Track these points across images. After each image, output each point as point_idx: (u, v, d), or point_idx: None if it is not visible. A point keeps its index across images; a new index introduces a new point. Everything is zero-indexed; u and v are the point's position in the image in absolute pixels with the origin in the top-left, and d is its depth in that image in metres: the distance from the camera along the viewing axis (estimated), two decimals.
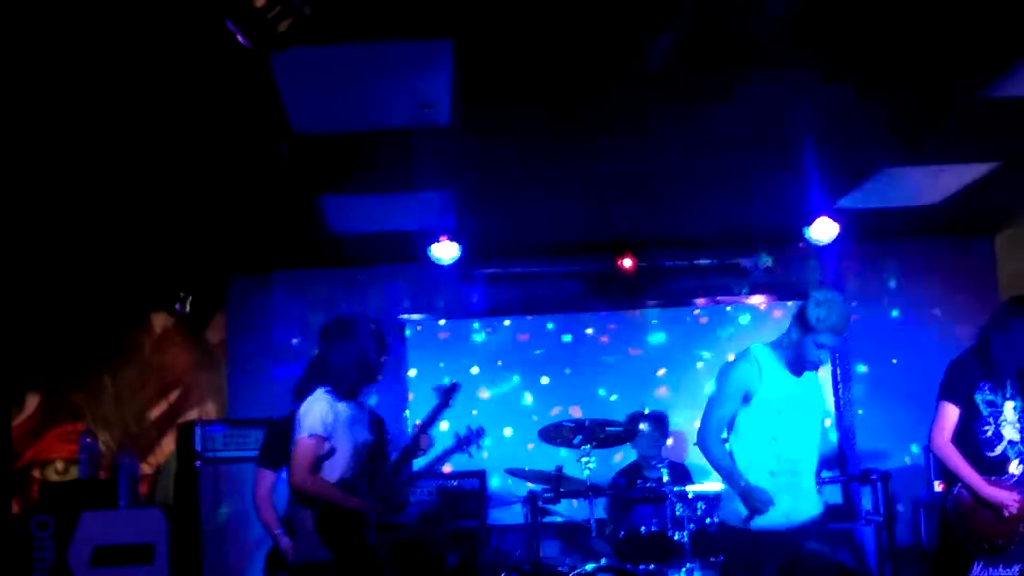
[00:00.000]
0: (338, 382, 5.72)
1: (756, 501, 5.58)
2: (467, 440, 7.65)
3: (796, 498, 5.73)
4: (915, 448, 9.95)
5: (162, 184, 7.74)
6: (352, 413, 5.72)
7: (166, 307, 9.93)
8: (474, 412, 9.65)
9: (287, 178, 7.79)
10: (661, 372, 10.45)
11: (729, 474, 5.76)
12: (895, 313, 10.55)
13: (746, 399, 5.75)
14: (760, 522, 5.66)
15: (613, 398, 10.32)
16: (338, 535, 5.56)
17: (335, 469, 5.64)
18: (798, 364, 5.74)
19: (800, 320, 5.69)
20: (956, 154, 8.18)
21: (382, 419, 6.74)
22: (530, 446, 9.26)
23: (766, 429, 5.73)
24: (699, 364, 10.40)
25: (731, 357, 6.26)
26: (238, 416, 9.86)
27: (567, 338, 10.58)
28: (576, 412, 10.04)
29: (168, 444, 9.80)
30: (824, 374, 10.07)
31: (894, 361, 10.38)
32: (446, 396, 6.46)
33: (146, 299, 10.01)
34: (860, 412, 10.29)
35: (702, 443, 5.86)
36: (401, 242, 9.53)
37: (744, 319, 10.57)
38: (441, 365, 10.27)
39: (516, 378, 10.39)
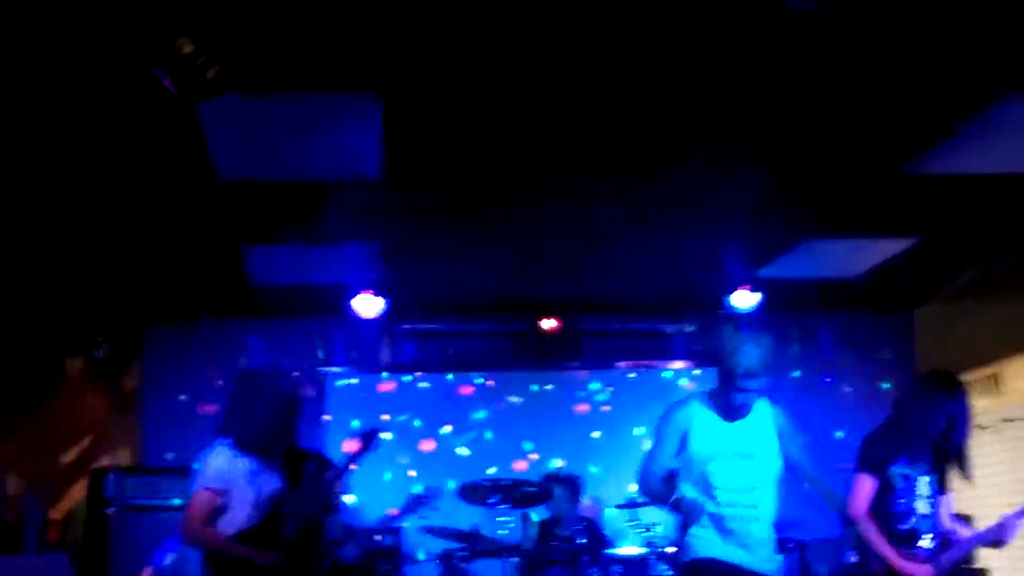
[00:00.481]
0: (240, 436, 5.66)
1: (687, 510, 5.56)
2: (419, 501, 7.51)
3: (744, 548, 5.59)
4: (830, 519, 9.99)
5: (81, 228, 7.67)
6: (253, 467, 5.65)
7: (81, 352, 9.81)
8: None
9: (210, 226, 7.76)
10: (595, 434, 10.55)
11: (665, 499, 5.77)
12: (812, 381, 10.62)
13: (682, 445, 5.73)
14: (701, 551, 5.61)
15: (534, 456, 10.33)
16: None
17: (233, 521, 5.59)
18: (727, 410, 5.70)
19: (719, 365, 5.70)
20: (876, 228, 8.29)
21: (321, 459, 6.54)
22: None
23: (702, 477, 5.69)
24: (635, 430, 10.43)
25: None
26: (151, 464, 9.74)
27: (489, 391, 10.59)
28: (493, 471, 10.02)
29: (79, 490, 9.64)
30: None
31: (802, 434, 10.43)
32: (365, 442, 6.34)
33: (61, 343, 9.88)
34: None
35: (641, 484, 5.84)
36: (324, 295, 9.49)
37: (682, 380, 10.66)
38: (355, 423, 10.20)
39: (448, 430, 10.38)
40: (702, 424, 5.69)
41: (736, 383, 5.55)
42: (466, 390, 10.60)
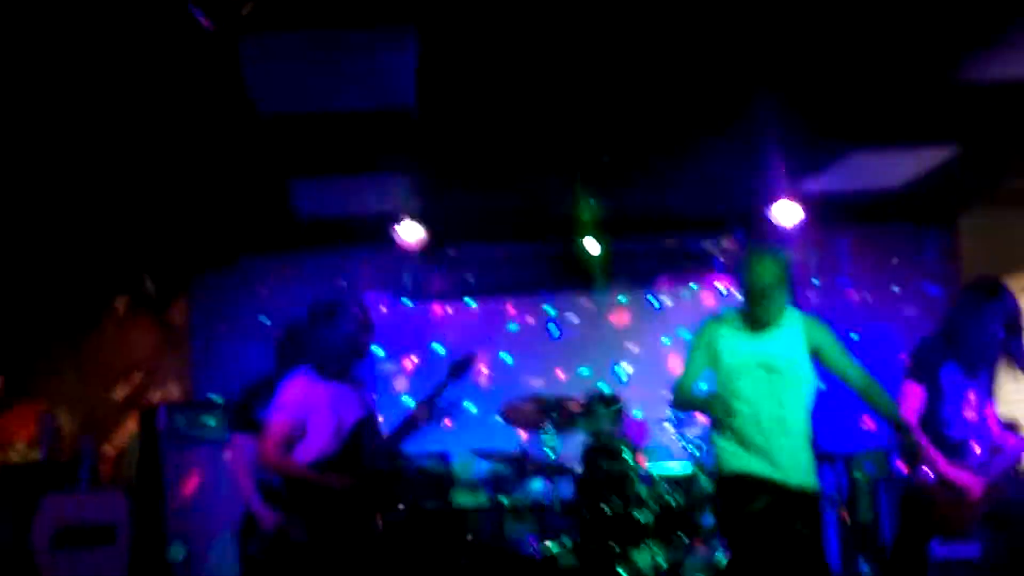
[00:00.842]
0: (323, 362, 5.77)
1: (718, 408, 5.65)
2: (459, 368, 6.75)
3: (770, 461, 5.62)
4: (876, 428, 10.02)
5: (128, 167, 7.71)
6: (336, 392, 5.76)
7: (130, 289, 9.89)
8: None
9: (251, 161, 7.78)
10: (632, 347, 10.50)
11: (697, 404, 5.91)
12: (855, 295, 10.60)
13: (712, 359, 5.79)
14: (727, 465, 5.71)
15: (579, 375, 10.36)
16: (308, 511, 5.62)
17: (312, 448, 5.68)
18: (754, 323, 5.73)
19: (740, 281, 5.78)
20: (919, 137, 8.22)
21: (371, 396, 6.64)
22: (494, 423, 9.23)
23: (729, 391, 5.70)
24: (664, 344, 10.46)
25: None
26: (202, 398, 9.84)
27: (530, 319, 10.59)
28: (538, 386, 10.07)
29: (131, 426, 9.76)
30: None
31: (854, 338, 10.44)
32: (456, 370, 6.32)
33: (110, 281, 9.97)
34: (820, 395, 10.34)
35: (675, 398, 5.94)
36: (366, 224, 9.49)
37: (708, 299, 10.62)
38: (406, 345, 10.30)
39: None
40: (729, 337, 5.76)
41: (755, 298, 5.58)
42: (507, 314, 10.61)
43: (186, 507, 9.13)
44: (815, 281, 10.61)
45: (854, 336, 10.31)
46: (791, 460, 5.66)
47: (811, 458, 5.77)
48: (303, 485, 5.70)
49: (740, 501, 5.66)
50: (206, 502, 9.06)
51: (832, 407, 10.14)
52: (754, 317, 5.69)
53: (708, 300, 10.60)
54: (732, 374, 5.70)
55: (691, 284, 10.62)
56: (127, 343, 10.10)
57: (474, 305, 10.58)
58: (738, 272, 5.87)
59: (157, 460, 9.06)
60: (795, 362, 5.75)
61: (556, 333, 10.57)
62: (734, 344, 5.73)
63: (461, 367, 6.28)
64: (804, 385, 5.78)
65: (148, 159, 7.60)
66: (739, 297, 5.80)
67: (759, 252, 5.73)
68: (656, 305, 10.67)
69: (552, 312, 10.62)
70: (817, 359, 5.81)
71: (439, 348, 10.37)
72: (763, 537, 5.60)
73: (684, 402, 5.92)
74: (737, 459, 5.67)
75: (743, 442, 5.65)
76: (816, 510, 5.84)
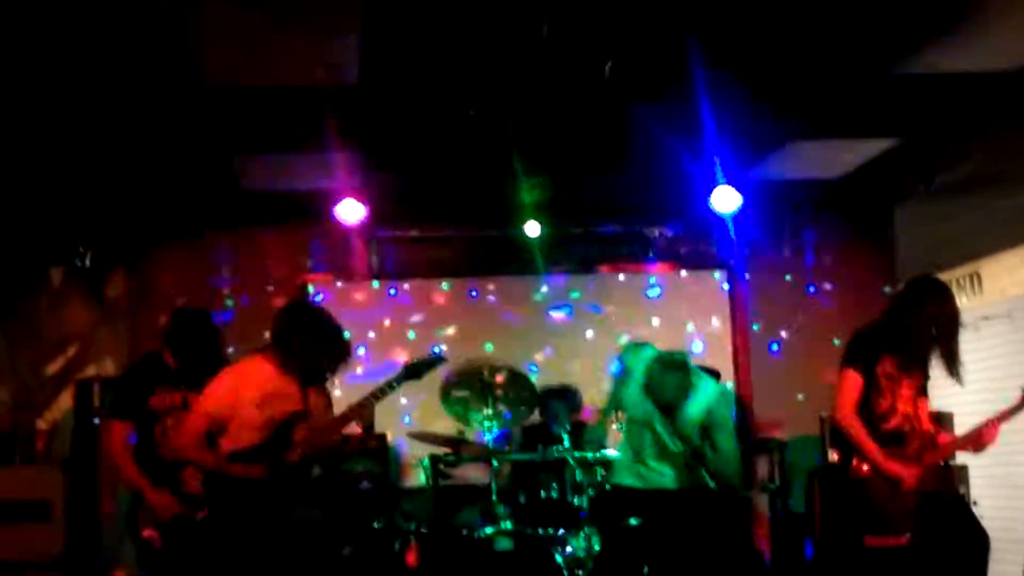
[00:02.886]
0: (282, 360, 5.75)
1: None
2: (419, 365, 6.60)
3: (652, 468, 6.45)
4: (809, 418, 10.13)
5: (67, 137, 7.63)
6: (272, 389, 5.74)
7: (66, 261, 9.77)
8: (358, 371, 9.58)
9: (194, 134, 7.73)
10: (577, 339, 10.55)
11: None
12: (792, 282, 10.69)
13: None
14: (616, 480, 6.69)
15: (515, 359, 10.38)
16: (220, 499, 5.61)
17: (237, 439, 5.67)
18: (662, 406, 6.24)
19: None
20: (859, 129, 8.32)
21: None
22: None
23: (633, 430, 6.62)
24: (590, 332, 10.54)
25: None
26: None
27: (471, 298, 10.61)
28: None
29: (65, 400, 9.67)
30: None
31: (781, 338, 10.57)
32: (418, 368, 6.28)
33: (45, 252, 9.84)
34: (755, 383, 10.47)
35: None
36: (306, 202, 9.45)
37: (653, 292, 10.67)
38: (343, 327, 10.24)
39: (412, 335, 10.38)
40: (637, 387, 6.51)
41: (661, 407, 6.46)
42: (449, 296, 10.60)
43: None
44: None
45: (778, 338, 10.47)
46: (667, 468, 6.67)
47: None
48: (217, 477, 5.69)
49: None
50: None
51: (766, 396, 10.30)
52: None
53: (647, 288, 10.64)
54: (636, 421, 6.63)
55: (636, 269, 10.63)
56: (62, 316, 9.99)
57: (409, 291, 10.57)
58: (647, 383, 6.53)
59: (92, 435, 8.97)
60: (693, 429, 6.58)
61: (498, 316, 10.58)
62: (642, 400, 6.47)
63: (422, 367, 6.27)
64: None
65: (88, 129, 7.53)
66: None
67: (664, 365, 6.47)
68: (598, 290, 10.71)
69: (493, 296, 10.61)
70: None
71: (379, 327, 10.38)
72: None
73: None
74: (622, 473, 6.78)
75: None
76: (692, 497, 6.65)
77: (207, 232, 10.25)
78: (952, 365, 6.16)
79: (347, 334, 6.08)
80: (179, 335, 6.50)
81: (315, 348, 5.81)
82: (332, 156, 8.40)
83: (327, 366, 5.89)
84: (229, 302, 10.12)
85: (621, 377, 6.88)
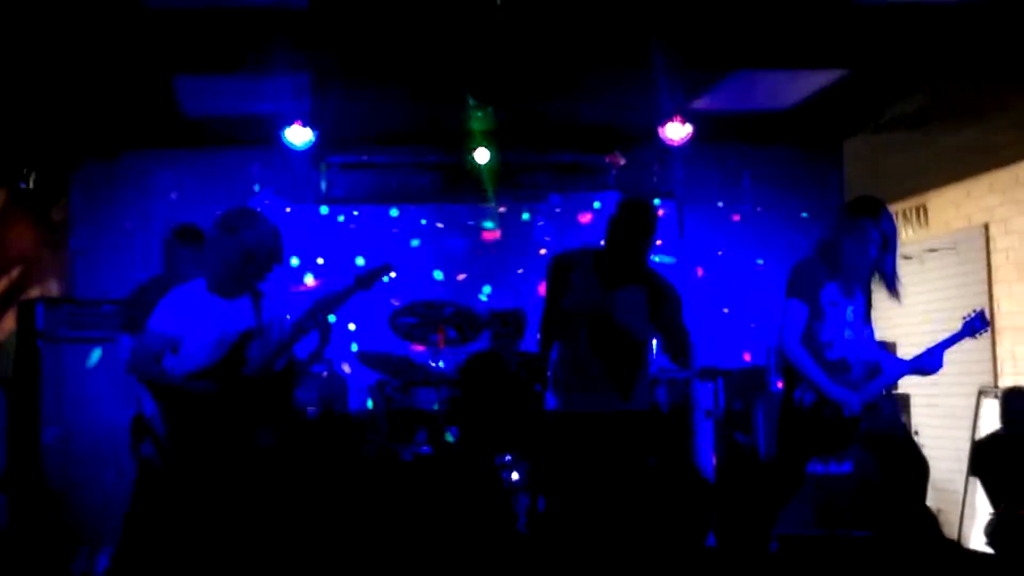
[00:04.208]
0: (213, 276, 5.70)
1: None
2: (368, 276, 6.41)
3: (593, 390, 6.05)
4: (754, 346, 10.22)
5: (7, 59, 7.51)
6: (224, 306, 5.70)
7: (7, 183, 9.65)
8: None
9: (138, 55, 7.63)
10: (519, 270, 10.56)
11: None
12: (741, 215, 10.74)
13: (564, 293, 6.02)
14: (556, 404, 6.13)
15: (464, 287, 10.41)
16: (178, 420, 5.60)
17: (188, 361, 5.64)
18: (609, 277, 5.95)
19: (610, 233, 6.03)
20: (808, 59, 8.31)
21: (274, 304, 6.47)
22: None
23: (573, 331, 6.03)
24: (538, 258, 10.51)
25: None
26: (81, 296, 9.69)
27: (420, 225, 10.62)
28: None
29: (8, 322, 9.58)
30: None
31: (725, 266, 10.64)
32: (367, 279, 6.21)
33: None
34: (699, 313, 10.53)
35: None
36: (254, 125, 9.38)
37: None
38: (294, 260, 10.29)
39: (361, 262, 10.36)
40: (581, 281, 5.96)
41: (622, 253, 5.71)
42: (398, 222, 10.58)
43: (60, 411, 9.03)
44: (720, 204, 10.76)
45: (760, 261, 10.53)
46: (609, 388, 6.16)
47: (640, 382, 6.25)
48: (171, 394, 5.66)
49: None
50: (84, 400, 8.96)
51: (710, 325, 10.36)
52: (612, 270, 5.92)
53: (601, 213, 10.65)
54: (577, 318, 6.00)
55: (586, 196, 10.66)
56: (5, 239, 9.87)
57: (358, 216, 10.54)
58: (614, 222, 6.04)
59: (35, 358, 8.91)
60: (638, 319, 6.05)
61: (446, 242, 10.58)
62: (585, 291, 5.98)
63: (371, 277, 6.21)
64: (643, 337, 6.17)
65: (27, 49, 7.41)
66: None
67: (641, 204, 6.00)
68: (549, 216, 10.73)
69: (444, 221, 10.61)
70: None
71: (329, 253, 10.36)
72: None
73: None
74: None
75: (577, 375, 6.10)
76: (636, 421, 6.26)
77: (153, 155, 10.15)
78: (891, 283, 6.17)
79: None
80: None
81: (235, 251, 5.73)
82: (279, 78, 8.32)
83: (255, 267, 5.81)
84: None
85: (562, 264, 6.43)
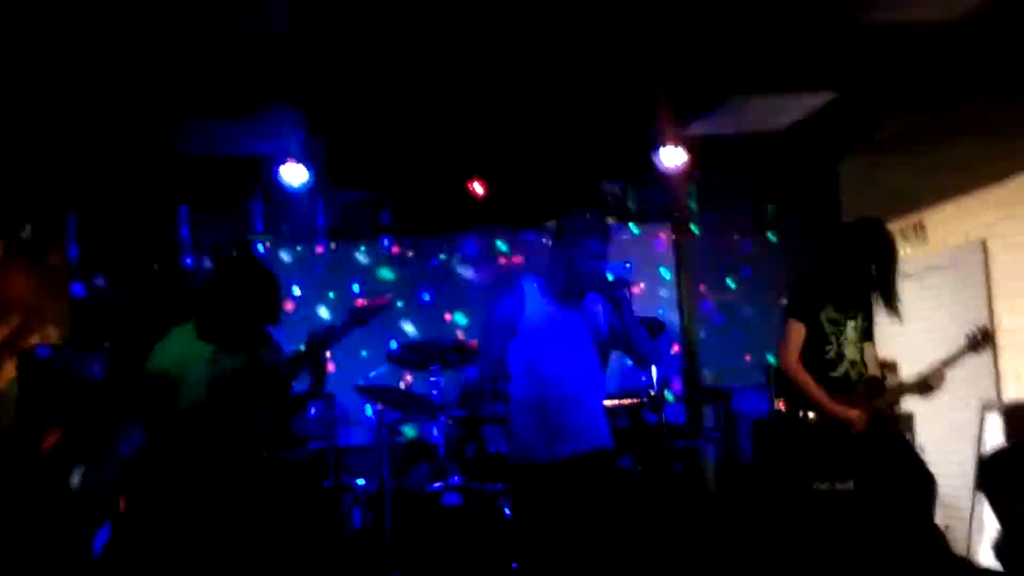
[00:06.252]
0: (204, 323, 5.71)
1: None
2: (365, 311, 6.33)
3: (559, 433, 5.33)
4: (756, 367, 10.18)
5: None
6: (209, 351, 5.69)
7: (7, 234, 9.68)
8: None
9: (133, 100, 7.67)
10: None
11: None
12: (737, 237, 10.74)
13: (512, 331, 5.42)
14: (519, 455, 5.47)
15: (463, 320, 10.37)
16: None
17: (184, 399, 5.65)
18: (562, 295, 5.41)
19: (560, 249, 5.42)
20: (801, 82, 8.33)
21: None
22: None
23: (530, 365, 5.41)
24: None
25: None
26: (80, 343, 9.70)
27: (419, 261, 10.60)
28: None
29: (9, 370, 9.58)
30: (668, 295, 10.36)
31: (728, 290, 10.62)
32: (364, 314, 6.17)
33: None
34: (703, 334, 10.52)
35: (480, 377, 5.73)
36: (249, 166, 9.41)
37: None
38: (294, 288, 10.25)
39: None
40: (533, 308, 5.42)
41: (576, 270, 5.33)
42: (395, 255, 10.58)
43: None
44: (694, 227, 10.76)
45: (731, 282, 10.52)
46: (579, 429, 5.41)
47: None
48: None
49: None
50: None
51: (713, 346, 10.36)
52: (566, 289, 5.41)
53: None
54: (535, 349, 5.40)
55: None
56: (3, 287, 9.89)
57: (357, 251, 10.55)
58: (566, 241, 5.38)
59: (37, 404, 8.90)
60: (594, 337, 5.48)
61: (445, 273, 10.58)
62: (539, 316, 5.40)
63: (367, 313, 6.18)
64: (595, 355, 5.49)
65: (23, 103, 7.46)
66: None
67: (596, 221, 5.43)
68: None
69: (443, 255, 10.61)
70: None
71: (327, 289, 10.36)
72: None
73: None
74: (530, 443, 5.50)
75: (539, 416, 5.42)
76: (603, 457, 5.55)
77: (150, 198, 10.17)
78: (890, 301, 6.18)
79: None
80: None
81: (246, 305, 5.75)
82: (272, 117, 8.35)
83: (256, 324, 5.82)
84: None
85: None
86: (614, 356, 5.56)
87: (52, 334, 9.91)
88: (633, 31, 6.98)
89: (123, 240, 10.21)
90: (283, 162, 9.21)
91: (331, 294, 10.38)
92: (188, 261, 10.23)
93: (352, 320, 6.05)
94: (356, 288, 10.40)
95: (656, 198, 10.59)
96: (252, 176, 9.62)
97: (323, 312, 10.24)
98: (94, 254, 10.20)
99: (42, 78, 7.11)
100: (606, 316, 5.45)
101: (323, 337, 5.95)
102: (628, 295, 5.31)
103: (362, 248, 10.56)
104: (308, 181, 9.36)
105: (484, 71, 7.75)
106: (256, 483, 5.80)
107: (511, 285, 5.54)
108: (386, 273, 10.54)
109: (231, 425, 5.69)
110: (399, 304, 10.21)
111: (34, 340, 9.75)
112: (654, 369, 8.52)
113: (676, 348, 10.51)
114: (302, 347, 5.93)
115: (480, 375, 5.67)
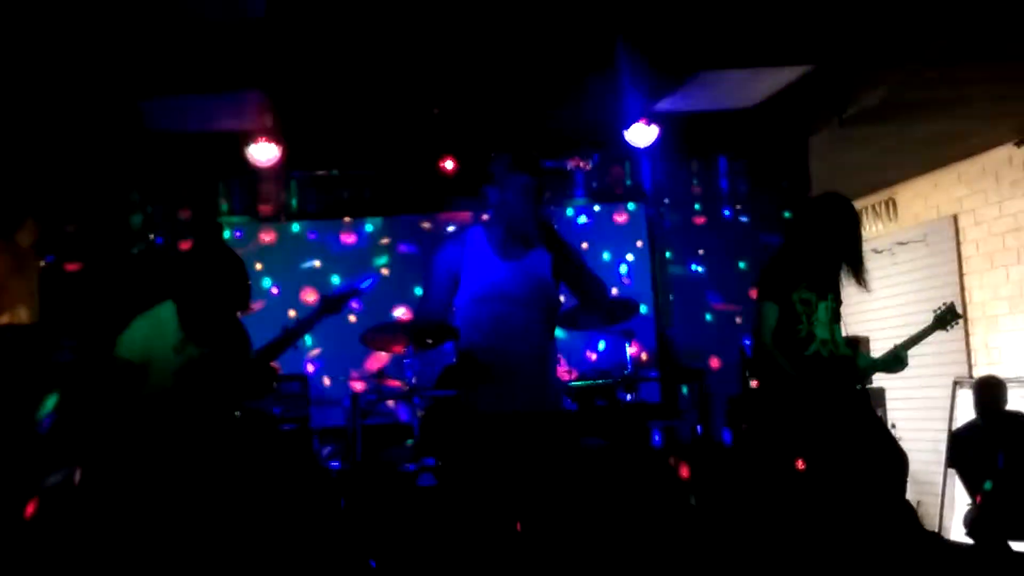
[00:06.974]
0: (184, 308, 5.68)
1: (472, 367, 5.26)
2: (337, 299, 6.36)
3: (511, 388, 5.07)
4: (729, 347, 10.21)
5: None
6: (177, 339, 5.67)
7: None
8: (292, 313, 9.51)
9: (103, 75, 7.61)
10: None
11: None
12: (707, 214, 10.74)
13: (454, 278, 5.18)
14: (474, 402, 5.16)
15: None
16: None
17: (151, 387, 5.63)
18: (505, 247, 5.15)
19: (494, 196, 5.18)
20: (770, 57, 8.32)
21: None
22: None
23: (475, 320, 5.18)
24: None
25: None
26: (51, 323, 9.65)
27: (387, 240, 10.55)
28: (399, 314, 10.04)
29: None
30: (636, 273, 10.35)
31: (699, 268, 10.62)
32: (336, 302, 6.16)
33: None
34: (676, 313, 10.52)
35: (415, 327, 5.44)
36: (219, 143, 9.35)
37: (581, 219, 10.67)
38: (259, 267, 10.20)
39: (336, 280, 10.33)
40: (475, 256, 5.20)
41: (511, 211, 5.11)
42: (364, 235, 10.55)
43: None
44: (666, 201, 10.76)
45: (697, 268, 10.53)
46: (530, 388, 5.15)
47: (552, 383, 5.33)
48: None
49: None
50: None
51: (686, 325, 10.38)
52: (509, 240, 5.17)
53: (570, 219, 10.64)
54: (478, 303, 5.15)
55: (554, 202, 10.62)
56: None
57: (325, 230, 10.51)
58: (500, 184, 5.14)
59: (9, 386, 8.86)
60: (544, 289, 5.21)
61: (415, 253, 10.55)
62: (482, 270, 5.16)
63: (340, 300, 6.19)
64: (551, 312, 5.26)
65: None
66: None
67: (522, 156, 5.19)
68: None
69: (412, 232, 10.58)
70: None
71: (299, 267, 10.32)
72: None
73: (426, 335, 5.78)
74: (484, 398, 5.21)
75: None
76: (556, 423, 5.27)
77: (120, 176, 10.10)
78: (858, 272, 6.18)
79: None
80: None
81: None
82: (241, 95, 8.30)
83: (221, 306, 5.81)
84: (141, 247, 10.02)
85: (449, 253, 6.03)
86: (588, 337, 5.60)
87: (23, 314, 9.84)
88: (602, 5, 6.94)
89: (92, 220, 10.14)
90: (254, 140, 9.14)
91: (304, 275, 10.33)
92: (159, 241, 10.15)
93: (323, 308, 6.08)
94: (333, 272, 10.35)
95: (626, 176, 10.56)
96: (224, 154, 9.54)
97: (296, 294, 10.19)
98: (63, 234, 10.12)
99: (8, 54, 7.04)
100: (550, 264, 5.19)
101: (295, 329, 6.00)
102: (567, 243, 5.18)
103: (334, 228, 10.51)
104: (276, 159, 9.30)
105: (455, 48, 7.73)
106: (223, 472, 5.77)
107: (457, 233, 5.38)
108: (363, 254, 10.51)
109: (197, 413, 5.67)
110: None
111: (3, 320, 9.68)
112: (627, 347, 8.56)
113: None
114: (277, 336, 5.96)
115: (414, 319, 5.40)
